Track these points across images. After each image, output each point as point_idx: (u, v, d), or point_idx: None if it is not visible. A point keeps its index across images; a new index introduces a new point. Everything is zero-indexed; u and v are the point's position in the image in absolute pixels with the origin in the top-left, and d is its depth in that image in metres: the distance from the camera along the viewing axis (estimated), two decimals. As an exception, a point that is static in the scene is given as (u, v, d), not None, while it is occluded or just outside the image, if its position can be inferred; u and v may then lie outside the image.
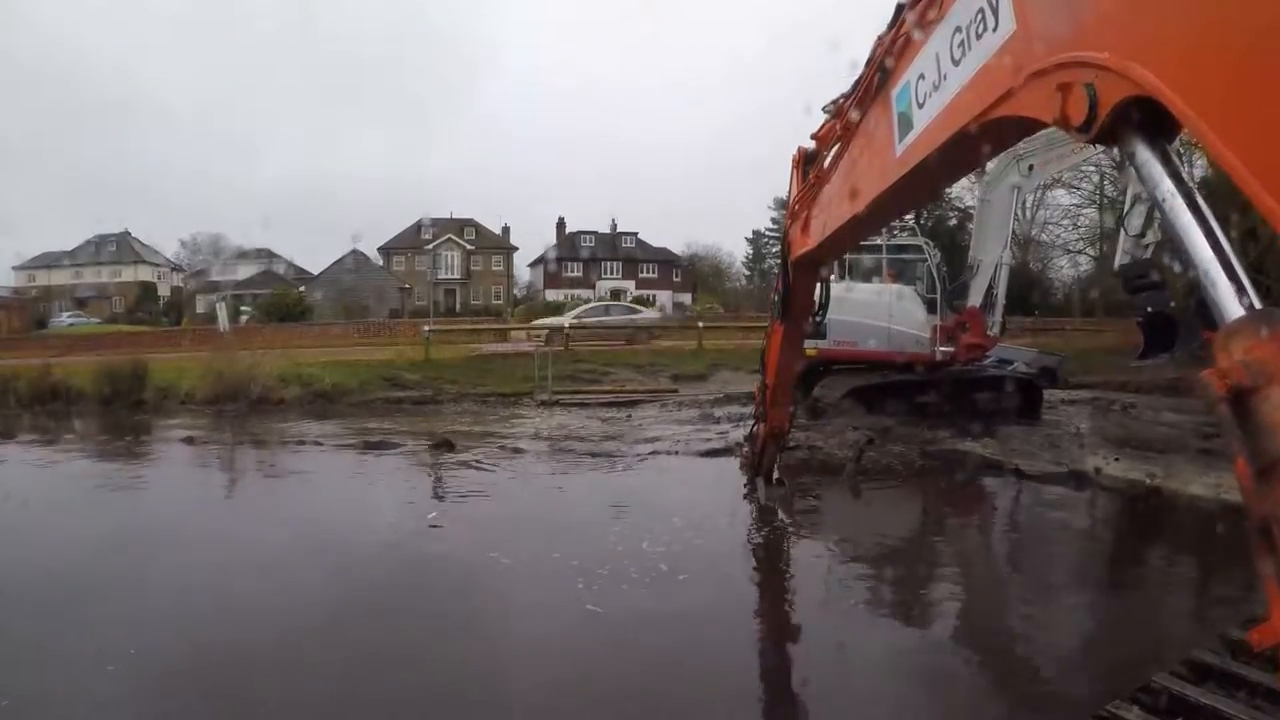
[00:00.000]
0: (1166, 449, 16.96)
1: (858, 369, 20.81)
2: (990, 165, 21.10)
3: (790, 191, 10.56)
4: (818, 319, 11.11)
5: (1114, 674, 7.10)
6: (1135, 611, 9.73)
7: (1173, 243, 2.87)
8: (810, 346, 20.38)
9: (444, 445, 18.00)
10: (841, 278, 21.73)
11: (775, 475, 12.81)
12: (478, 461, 17.01)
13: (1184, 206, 2.80)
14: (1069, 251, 42.34)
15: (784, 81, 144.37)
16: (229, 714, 6.73)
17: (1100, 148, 20.50)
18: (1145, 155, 2.96)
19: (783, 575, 11.13)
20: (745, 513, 12.93)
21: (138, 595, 9.26)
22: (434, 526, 12.44)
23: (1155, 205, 2.95)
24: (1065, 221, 39.90)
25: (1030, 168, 20.07)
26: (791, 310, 10.93)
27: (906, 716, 7.05)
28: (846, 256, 22.00)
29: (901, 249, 22.08)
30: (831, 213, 7.89)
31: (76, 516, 13.24)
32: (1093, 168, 33.62)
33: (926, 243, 22.17)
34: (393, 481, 15.98)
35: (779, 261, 10.81)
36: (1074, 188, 31.45)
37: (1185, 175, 2.91)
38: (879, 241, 21.82)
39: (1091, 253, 43.42)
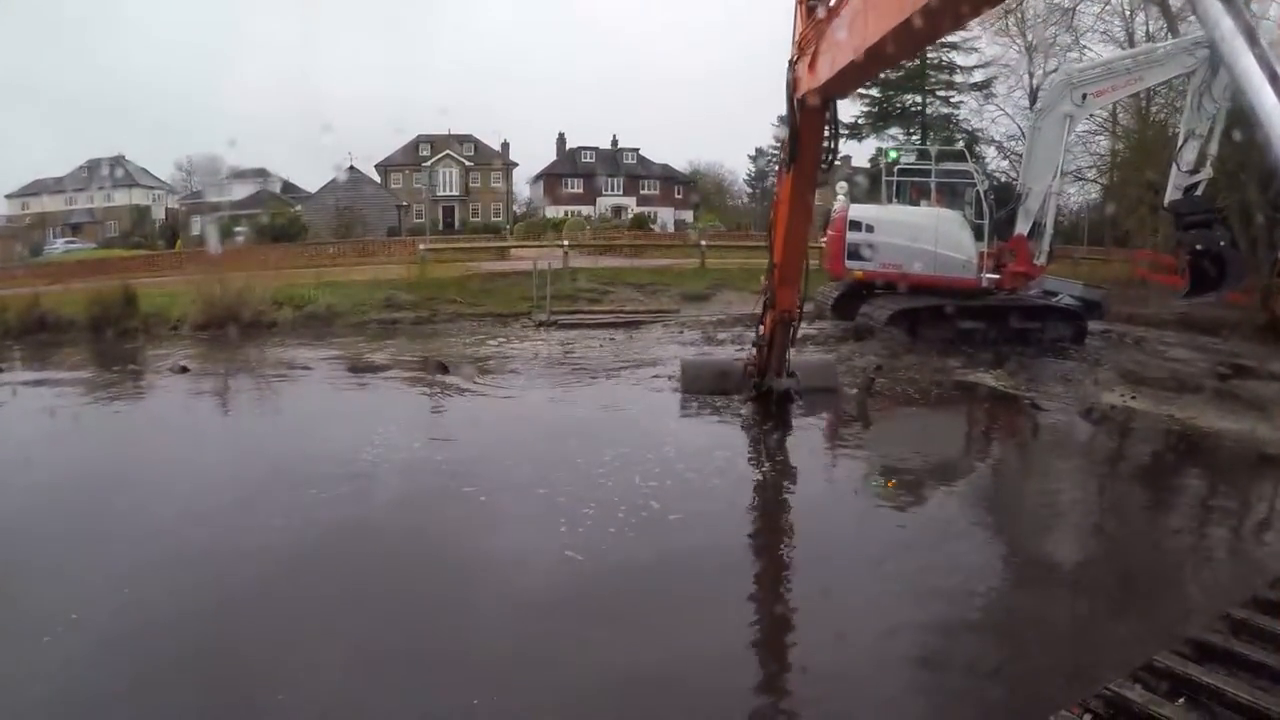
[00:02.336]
0: (1183, 387, 16.71)
1: (902, 292, 20.78)
2: (1043, 92, 20.85)
3: (795, 28, 10.26)
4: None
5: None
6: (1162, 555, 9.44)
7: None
8: (857, 268, 21.03)
9: (437, 368, 17.61)
10: (889, 200, 22.16)
11: (787, 368, 12.56)
12: (470, 385, 16.66)
13: (1244, 47, 2.35)
14: (1080, 179, 41.83)
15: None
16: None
17: (1155, 79, 20.39)
18: None
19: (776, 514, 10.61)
20: (743, 447, 12.60)
21: (98, 542, 8.82)
22: (416, 457, 11.94)
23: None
24: (1078, 148, 39.36)
25: (1084, 97, 19.74)
26: (800, 158, 10.62)
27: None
28: (894, 179, 21.98)
29: (950, 173, 22.20)
30: (840, 49, 7.67)
31: (38, 458, 12.42)
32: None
33: (975, 168, 22.39)
34: (381, 408, 15.55)
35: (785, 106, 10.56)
36: (1092, 116, 30.92)
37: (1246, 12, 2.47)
38: (928, 166, 22.11)
39: (1103, 181, 42.92)
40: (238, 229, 56.36)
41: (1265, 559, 9.00)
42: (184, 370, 18.53)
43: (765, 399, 13.68)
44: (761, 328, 12.94)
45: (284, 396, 16.85)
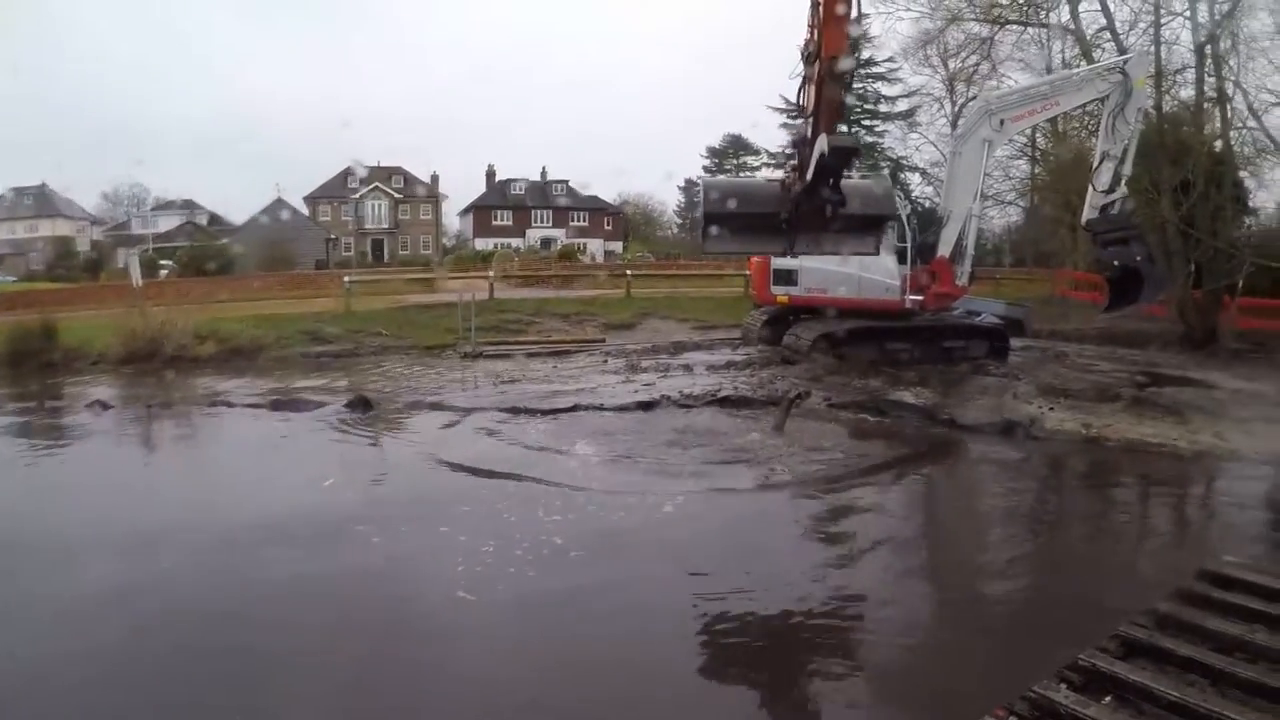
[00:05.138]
0: (1101, 397, 17.12)
1: (829, 316, 21.15)
2: (962, 118, 21.28)
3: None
4: None
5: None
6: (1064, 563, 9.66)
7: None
8: (783, 293, 21.40)
9: (359, 403, 17.34)
10: None
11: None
12: (389, 419, 16.47)
13: None
14: (1001, 202, 42.69)
15: (717, 36, 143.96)
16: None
17: (1071, 104, 20.80)
18: None
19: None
20: (663, 472, 12.47)
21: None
22: (320, 496, 11.65)
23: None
24: (998, 173, 40.07)
25: (1002, 122, 20.19)
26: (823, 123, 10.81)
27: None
28: None
29: None
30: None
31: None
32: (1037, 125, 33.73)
33: (899, 193, 22.84)
34: (293, 445, 15.16)
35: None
36: (1011, 140, 31.55)
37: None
38: None
39: (1022, 204, 43.75)
40: (164, 262, 55.72)
41: (1181, 555, 9.39)
42: (103, 407, 18.05)
43: None
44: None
45: (201, 436, 16.55)
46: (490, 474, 12.17)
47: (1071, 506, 12.24)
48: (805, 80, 11.83)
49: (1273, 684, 5.25)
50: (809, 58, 11.35)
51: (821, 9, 11.13)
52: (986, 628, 7.94)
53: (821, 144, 11.10)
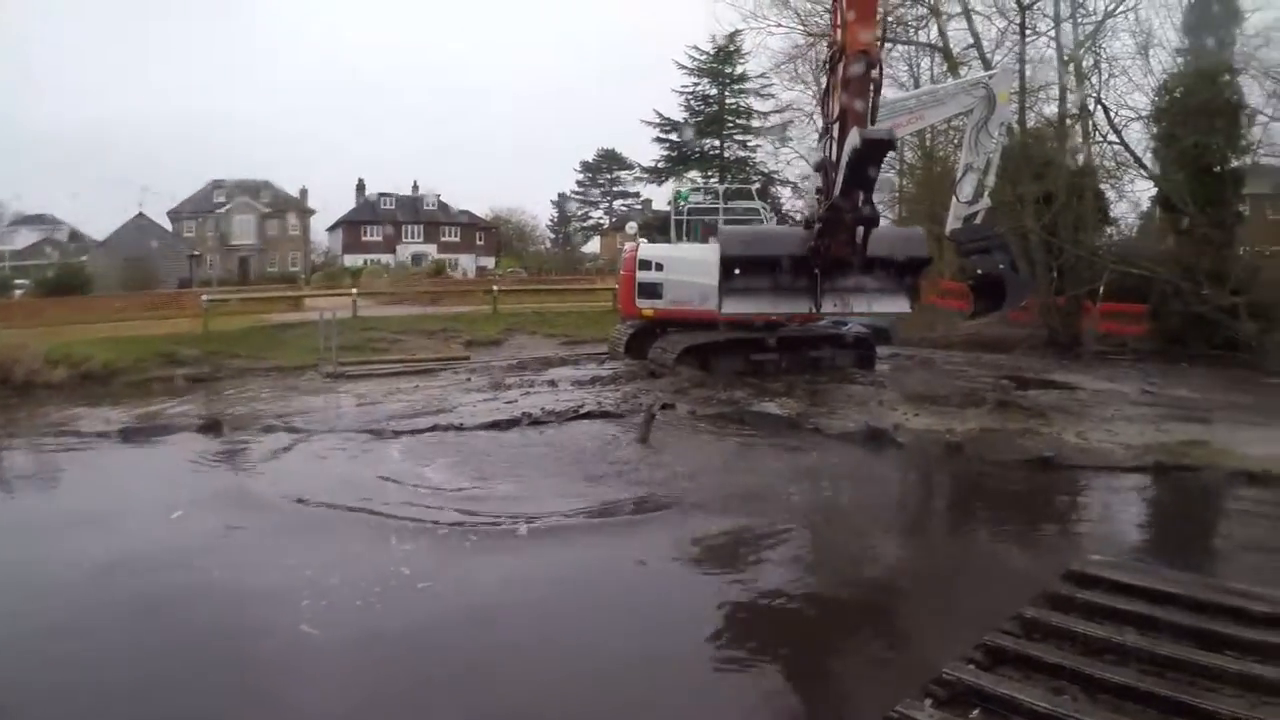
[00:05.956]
0: (966, 402, 17.26)
1: (694, 328, 20.95)
2: None
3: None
4: None
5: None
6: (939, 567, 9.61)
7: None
8: (648, 307, 21.16)
9: (211, 428, 16.60)
10: (680, 239, 22.48)
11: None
12: (242, 445, 15.57)
13: None
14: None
15: (590, 49, 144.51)
16: None
17: (937, 118, 21.12)
18: None
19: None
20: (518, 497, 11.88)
21: None
22: (166, 528, 10.75)
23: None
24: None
25: None
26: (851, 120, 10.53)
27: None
28: (684, 217, 22.63)
29: (739, 211, 22.63)
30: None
31: None
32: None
33: (763, 205, 23.16)
34: (142, 475, 14.32)
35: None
36: None
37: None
38: (717, 205, 22.65)
39: (891, 216, 44.49)
40: (19, 281, 53.79)
41: (1047, 556, 9.20)
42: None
43: None
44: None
45: (44, 468, 15.39)
46: (342, 506, 11.40)
47: (936, 511, 12.25)
48: (828, 91, 11.51)
49: (1144, 687, 5.22)
50: (832, 62, 11.04)
51: (845, 6, 10.90)
52: (847, 645, 7.71)
53: (853, 138, 10.68)
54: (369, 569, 9.03)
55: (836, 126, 11.51)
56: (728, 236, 14.45)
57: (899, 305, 13.59)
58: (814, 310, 13.24)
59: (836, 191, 11.21)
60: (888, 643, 7.65)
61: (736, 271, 12.87)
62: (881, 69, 11.10)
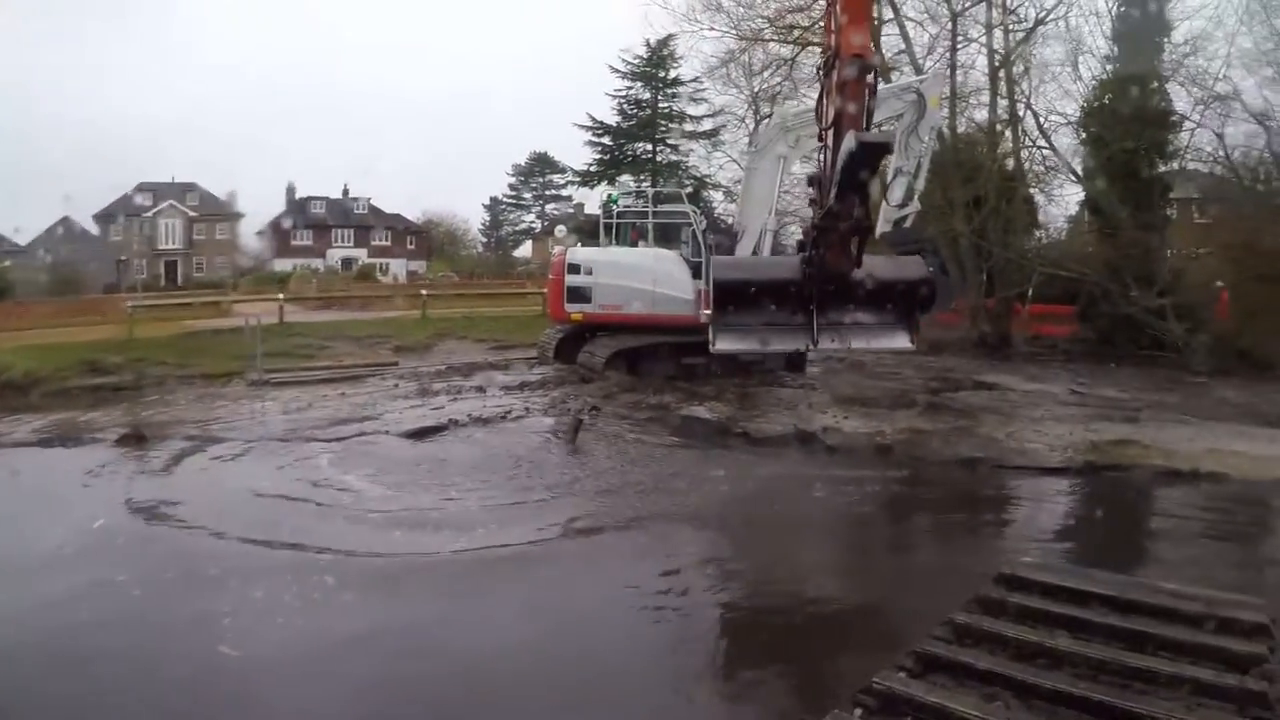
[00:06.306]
0: (896, 404, 17.45)
1: (624, 332, 20.98)
2: (759, 135, 21.55)
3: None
4: None
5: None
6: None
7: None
8: (577, 311, 21.08)
9: (133, 438, 16.14)
10: (609, 242, 22.35)
11: None
12: (163, 455, 14.93)
13: None
14: (801, 220, 43.79)
15: (525, 52, 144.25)
16: None
17: (873, 121, 21.23)
18: None
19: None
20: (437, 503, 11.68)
21: None
22: (81, 541, 10.20)
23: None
24: (797, 189, 40.93)
25: (797, 139, 20.42)
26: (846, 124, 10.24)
27: None
28: (613, 221, 22.72)
29: (668, 214, 22.65)
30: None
31: None
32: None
33: (693, 209, 22.74)
34: (58, 487, 13.61)
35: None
36: (806, 159, 32.25)
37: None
38: (646, 208, 22.88)
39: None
40: (-60, 287, 52.59)
41: (978, 559, 9.24)
42: None
43: None
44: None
45: None
46: (257, 540, 10.56)
47: (865, 515, 12.09)
48: (822, 97, 11.34)
49: (1077, 692, 5.13)
50: (826, 68, 10.88)
51: (838, 10, 10.74)
52: (777, 655, 7.52)
53: (849, 142, 10.44)
54: (289, 586, 8.70)
55: (830, 133, 11.33)
56: (721, 264, 14.23)
57: (899, 341, 13.24)
58: (810, 347, 12.97)
59: (831, 199, 11.00)
60: (818, 651, 7.50)
61: (730, 308, 12.56)
62: (877, 74, 10.94)
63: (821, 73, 11.33)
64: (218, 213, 78.43)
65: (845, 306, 12.33)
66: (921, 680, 5.42)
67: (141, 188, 75.88)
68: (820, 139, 11.46)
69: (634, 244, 22.18)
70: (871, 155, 10.69)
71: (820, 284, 11.96)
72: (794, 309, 12.40)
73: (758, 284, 12.53)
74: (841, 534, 11.38)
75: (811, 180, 12.58)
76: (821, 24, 33.65)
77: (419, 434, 15.85)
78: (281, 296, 35.21)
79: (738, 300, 12.42)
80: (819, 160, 12.11)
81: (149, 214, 74.01)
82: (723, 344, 13.00)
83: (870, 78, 10.58)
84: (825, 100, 11.35)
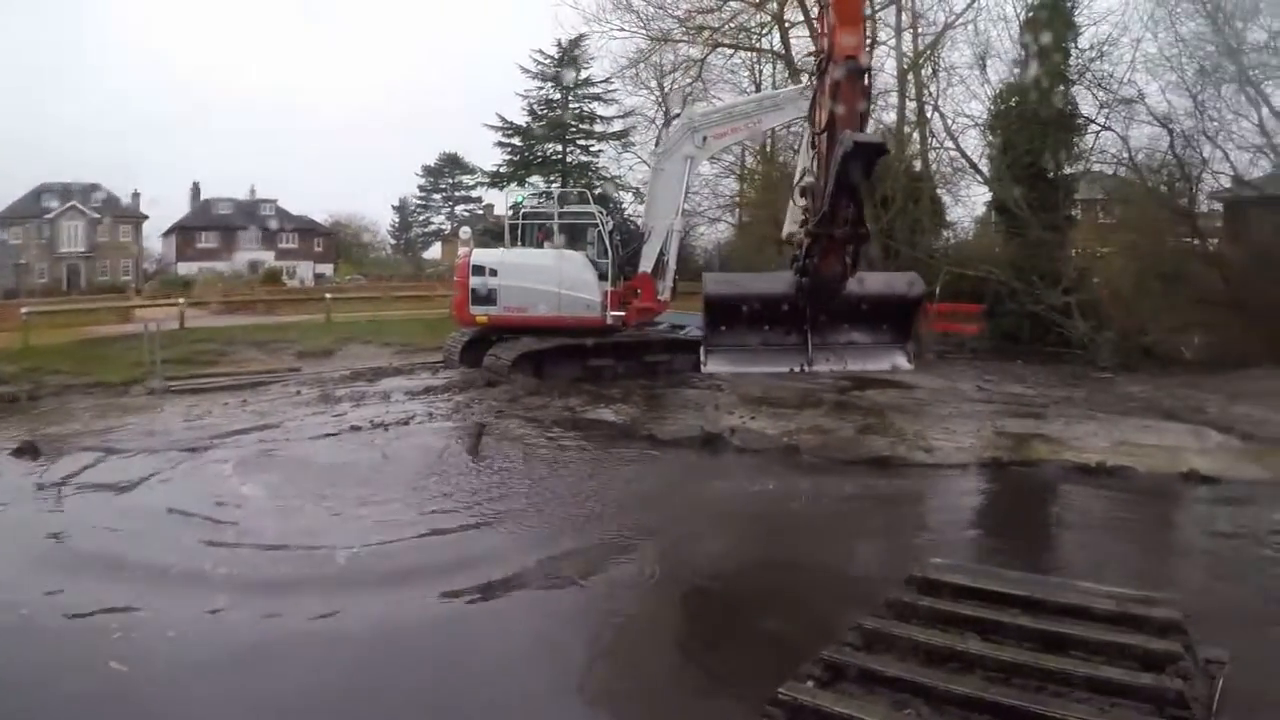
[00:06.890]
0: (803, 404, 17.57)
1: (530, 334, 20.78)
2: (666, 135, 21.53)
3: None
4: None
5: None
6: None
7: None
8: (482, 313, 20.97)
9: (25, 452, 15.58)
10: (515, 244, 22.20)
11: None
12: (52, 470, 14.23)
13: None
14: (710, 220, 44.10)
15: (435, 51, 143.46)
16: None
17: (773, 123, 21.45)
18: None
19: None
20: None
21: None
22: None
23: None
24: (705, 190, 41.29)
25: (704, 139, 20.69)
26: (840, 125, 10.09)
27: None
28: (519, 222, 22.55)
29: (574, 215, 22.48)
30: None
31: None
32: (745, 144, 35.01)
33: (599, 210, 22.65)
34: None
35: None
36: (715, 159, 32.60)
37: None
38: (552, 209, 22.56)
39: (730, 220, 45.02)
40: None
41: (888, 561, 9.42)
42: None
43: None
44: None
45: None
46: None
47: (771, 517, 11.96)
48: (814, 102, 11.11)
49: (989, 697, 5.10)
50: (819, 71, 10.67)
51: (831, 10, 10.54)
52: (685, 666, 7.48)
53: (845, 142, 10.16)
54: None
55: (823, 138, 11.12)
56: (713, 280, 14.01)
57: (897, 361, 13.07)
58: (805, 369, 12.75)
59: (825, 203, 10.80)
60: (723, 662, 7.38)
61: (723, 328, 12.32)
62: (871, 76, 10.82)
63: (814, 78, 11.25)
64: (122, 214, 76.68)
65: (840, 325, 12.24)
66: (830, 689, 5.36)
67: (44, 188, 73.81)
68: (813, 145, 11.35)
69: (540, 245, 22.05)
70: (866, 156, 10.56)
71: (814, 296, 11.84)
72: (788, 328, 12.26)
73: (749, 301, 12.38)
74: (746, 537, 11.27)
75: (804, 192, 12.41)
76: (732, 25, 34.19)
77: (320, 440, 15.60)
78: (183, 301, 34.43)
79: (729, 318, 12.25)
80: (812, 168, 11.95)
81: (49, 216, 72.12)
82: (714, 365, 12.84)
83: (865, 79, 10.51)
84: (818, 105, 11.25)
